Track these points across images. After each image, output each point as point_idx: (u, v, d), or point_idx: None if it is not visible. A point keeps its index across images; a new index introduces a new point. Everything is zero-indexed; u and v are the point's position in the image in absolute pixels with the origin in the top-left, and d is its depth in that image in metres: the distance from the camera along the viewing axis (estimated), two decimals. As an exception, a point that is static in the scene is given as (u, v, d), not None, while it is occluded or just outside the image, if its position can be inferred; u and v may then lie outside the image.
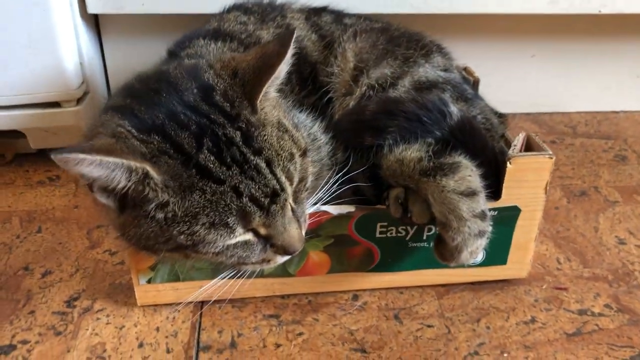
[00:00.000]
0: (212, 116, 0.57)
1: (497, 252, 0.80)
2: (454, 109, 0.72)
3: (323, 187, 0.71)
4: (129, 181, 0.54)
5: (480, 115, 0.82)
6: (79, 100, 1.04)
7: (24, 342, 0.73)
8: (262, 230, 0.59)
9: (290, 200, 0.60)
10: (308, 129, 0.71)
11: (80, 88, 1.03)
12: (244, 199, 0.55)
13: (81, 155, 0.51)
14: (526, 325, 0.77)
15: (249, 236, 0.59)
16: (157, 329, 0.75)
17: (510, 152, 0.74)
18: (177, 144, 0.55)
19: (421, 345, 0.74)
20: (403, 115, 0.70)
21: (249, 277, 0.66)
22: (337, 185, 0.71)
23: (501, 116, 0.89)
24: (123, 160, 0.53)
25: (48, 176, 1.08)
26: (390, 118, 0.70)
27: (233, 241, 0.58)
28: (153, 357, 0.71)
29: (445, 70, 0.82)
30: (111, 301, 0.79)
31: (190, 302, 0.77)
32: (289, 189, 0.58)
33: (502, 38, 1.25)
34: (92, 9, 1.03)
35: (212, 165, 0.55)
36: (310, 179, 0.64)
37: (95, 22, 1.12)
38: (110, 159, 0.52)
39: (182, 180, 0.55)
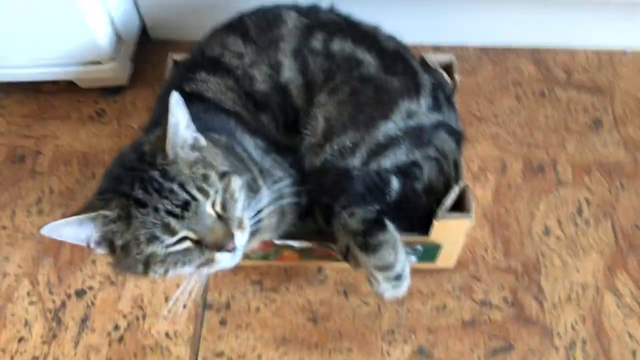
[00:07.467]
0: (141, 167, 0.79)
1: (426, 258, 1.05)
2: (395, 186, 0.91)
3: (290, 223, 0.96)
4: (96, 227, 0.79)
5: (434, 152, 0.99)
6: (114, 58, 1.21)
7: (90, 288, 1.09)
8: (193, 235, 0.79)
9: (212, 207, 0.79)
10: (276, 188, 0.91)
11: (113, 51, 1.20)
12: (161, 213, 0.77)
13: (55, 223, 0.76)
14: (437, 311, 1.07)
15: (185, 244, 0.79)
16: (178, 286, 1.09)
17: (438, 211, 0.94)
18: (120, 191, 0.79)
19: (356, 320, 1.06)
20: (352, 192, 0.90)
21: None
22: (301, 222, 0.97)
23: (459, 138, 1.04)
24: (83, 215, 0.77)
25: (96, 109, 1.32)
26: (342, 191, 0.90)
27: (172, 249, 0.79)
28: (173, 311, 1.07)
29: (409, 115, 0.96)
30: (147, 256, 1.12)
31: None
32: (202, 198, 0.78)
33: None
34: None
35: (141, 196, 0.77)
36: (240, 194, 0.82)
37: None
38: (74, 218, 0.77)
39: (126, 211, 0.78)
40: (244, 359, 1.02)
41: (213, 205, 0.80)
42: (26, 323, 1.06)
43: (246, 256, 1.04)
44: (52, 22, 1.10)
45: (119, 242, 0.80)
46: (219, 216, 0.80)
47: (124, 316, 1.06)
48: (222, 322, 1.06)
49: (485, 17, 1.35)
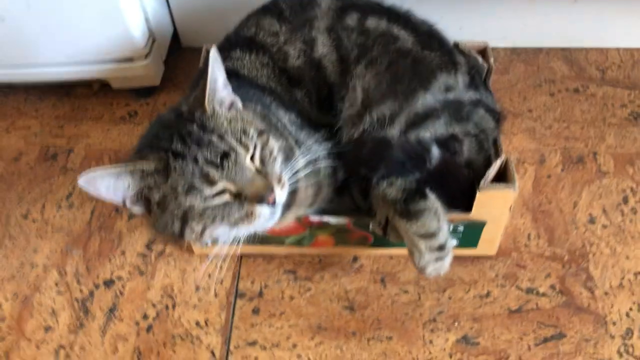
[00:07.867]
0: (179, 124, 0.78)
1: (468, 242, 1.01)
2: (435, 154, 0.88)
3: (326, 199, 0.93)
4: (133, 181, 0.77)
5: (473, 129, 0.96)
6: (147, 55, 1.23)
7: (119, 278, 1.06)
8: (232, 187, 0.76)
9: (251, 161, 0.78)
10: (312, 152, 0.89)
11: (146, 47, 1.21)
12: (200, 163, 0.75)
13: (92, 173, 0.74)
14: (481, 299, 1.01)
15: (224, 197, 0.77)
16: (209, 276, 1.05)
17: (481, 182, 0.90)
18: (158, 146, 0.78)
19: (395, 308, 1.01)
20: (390, 160, 0.87)
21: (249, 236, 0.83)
22: (337, 198, 0.94)
23: (498, 117, 1.01)
24: (121, 166, 0.76)
25: (128, 111, 1.33)
26: (380, 160, 0.87)
27: (210, 203, 0.76)
28: (205, 299, 1.03)
29: (448, 89, 0.95)
30: (177, 246, 1.09)
31: (232, 254, 1.01)
32: (242, 150, 0.77)
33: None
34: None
35: (180, 149, 0.76)
36: (277, 153, 0.81)
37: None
38: (111, 168, 0.75)
39: (164, 163, 0.76)
40: (278, 347, 0.97)
41: (252, 159, 0.78)
42: (53, 312, 1.02)
43: (279, 241, 1.01)
44: (89, 14, 1.12)
45: (155, 196, 0.77)
46: (258, 171, 0.78)
47: (153, 305, 1.02)
48: (255, 311, 1.01)
49: (515, 19, 1.36)
